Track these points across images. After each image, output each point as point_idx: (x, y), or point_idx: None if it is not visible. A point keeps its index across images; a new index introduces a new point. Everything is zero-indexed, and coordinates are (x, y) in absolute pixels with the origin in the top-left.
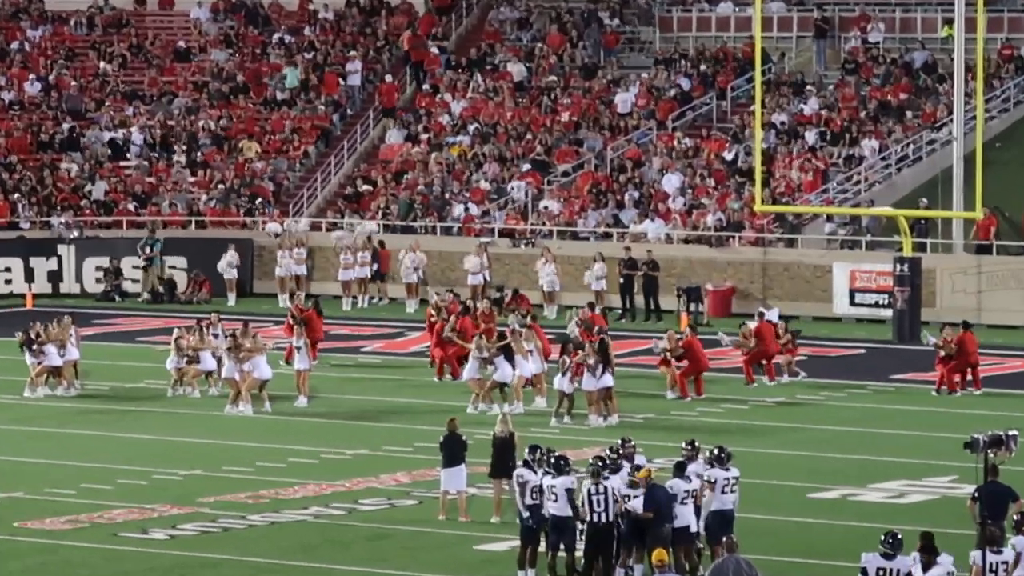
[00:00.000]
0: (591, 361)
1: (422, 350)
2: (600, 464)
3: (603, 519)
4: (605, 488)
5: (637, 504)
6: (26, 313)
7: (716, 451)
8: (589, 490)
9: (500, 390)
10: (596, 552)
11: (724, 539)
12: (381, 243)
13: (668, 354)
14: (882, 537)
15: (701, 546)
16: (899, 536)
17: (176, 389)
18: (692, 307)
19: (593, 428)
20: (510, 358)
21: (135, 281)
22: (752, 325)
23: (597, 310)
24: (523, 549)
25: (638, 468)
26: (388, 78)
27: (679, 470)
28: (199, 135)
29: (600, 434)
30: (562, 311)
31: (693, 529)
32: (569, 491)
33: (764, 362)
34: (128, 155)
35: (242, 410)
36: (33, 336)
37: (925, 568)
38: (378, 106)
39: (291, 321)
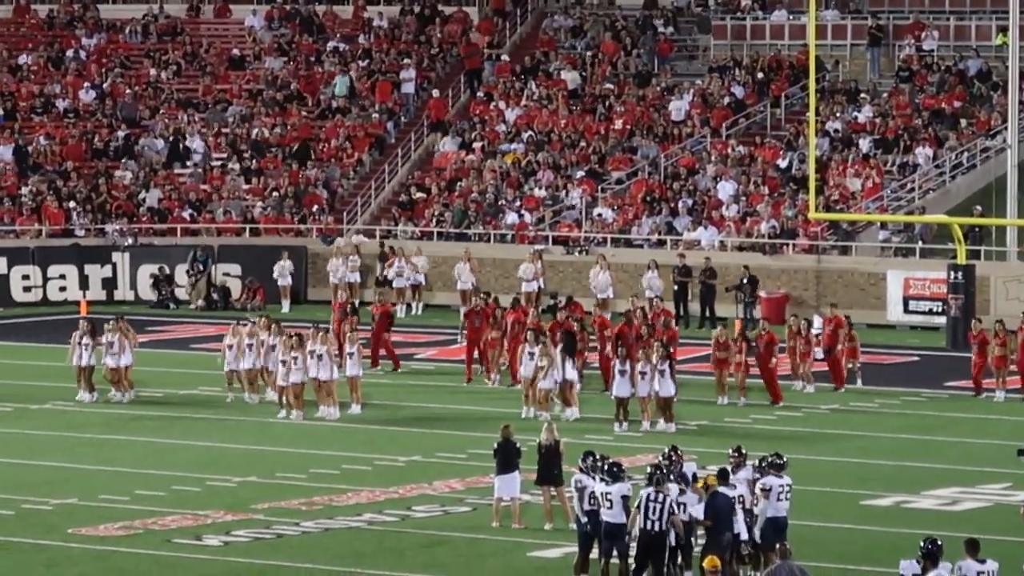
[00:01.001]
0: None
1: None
2: (660, 472)
3: (656, 528)
4: (664, 496)
5: (696, 512)
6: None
7: (772, 458)
8: (648, 496)
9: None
10: (646, 560)
11: (778, 546)
12: (392, 248)
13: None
14: (920, 544)
15: (745, 553)
16: (938, 542)
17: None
18: (747, 299)
19: (649, 434)
20: (571, 357)
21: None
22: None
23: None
24: (581, 555)
25: (683, 476)
26: (436, 93)
27: (723, 478)
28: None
29: (655, 440)
30: (615, 318)
31: (744, 536)
32: (625, 498)
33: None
34: (188, 162)
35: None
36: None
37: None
38: (428, 120)
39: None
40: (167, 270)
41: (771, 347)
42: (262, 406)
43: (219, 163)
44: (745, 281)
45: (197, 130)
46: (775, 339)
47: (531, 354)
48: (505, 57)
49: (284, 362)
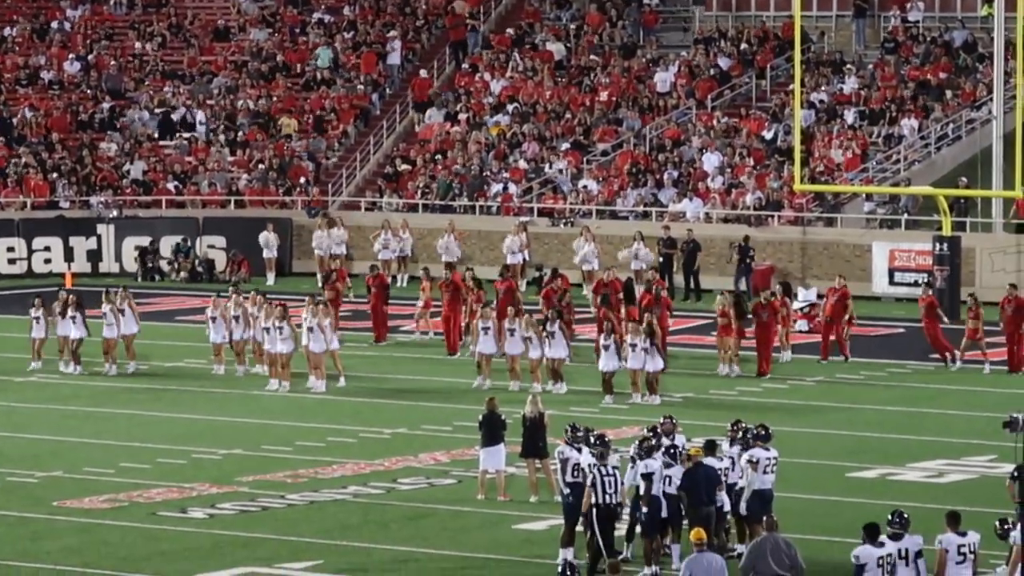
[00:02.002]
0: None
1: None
2: (648, 444)
3: (613, 500)
4: (612, 469)
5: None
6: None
7: (758, 429)
8: (599, 470)
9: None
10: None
11: (764, 518)
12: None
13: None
14: (889, 517)
15: (728, 525)
16: (906, 515)
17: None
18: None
19: (635, 406)
20: (563, 335)
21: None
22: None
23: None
24: (567, 527)
25: (673, 447)
26: (423, 73)
27: (709, 450)
28: (238, 115)
29: (642, 412)
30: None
31: (726, 508)
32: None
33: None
34: (187, 134)
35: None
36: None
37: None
38: (412, 98)
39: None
40: (153, 242)
41: (774, 316)
42: (248, 378)
43: (210, 133)
44: (734, 246)
45: (183, 102)
46: (777, 307)
47: (511, 330)
48: (510, 32)
49: (267, 330)
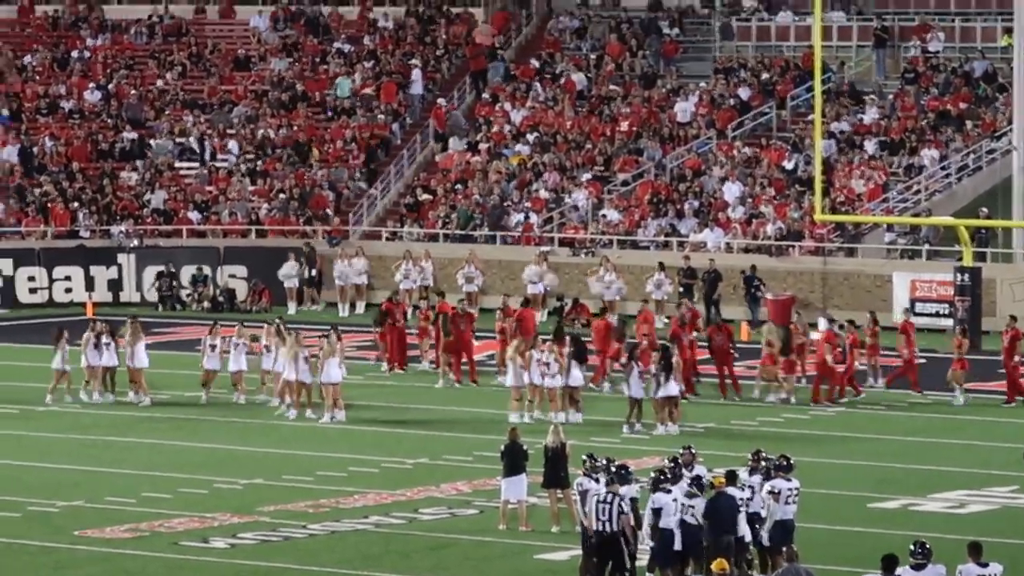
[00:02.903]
0: (654, 370)
1: (482, 359)
2: (664, 476)
3: (608, 528)
4: (613, 496)
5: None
6: (86, 322)
7: (780, 460)
8: (599, 497)
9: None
10: (605, 561)
11: (784, 549)
12: (312, 248)
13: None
14: (911, 547)
15: (751, 556)
16: (928, 546)
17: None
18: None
19: (656, 437)
20: (581, 361)
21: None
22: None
23: (612, 318)
24: (585, 558)
25: (698, 478)
26: (441, 101)
27: (730, 480)
28: (247, 143)
29: (662, 443)
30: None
31: (747, 539)
32: (633, 500)
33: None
34: (195, 162)
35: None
36: (96, 335)
37: None
38: (430, 127)
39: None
40: (174, 269)
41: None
42: (270, 409)
43: (228, 164)
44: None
45: (204, 131)
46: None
47: (538, 361)
48: (534, 63)
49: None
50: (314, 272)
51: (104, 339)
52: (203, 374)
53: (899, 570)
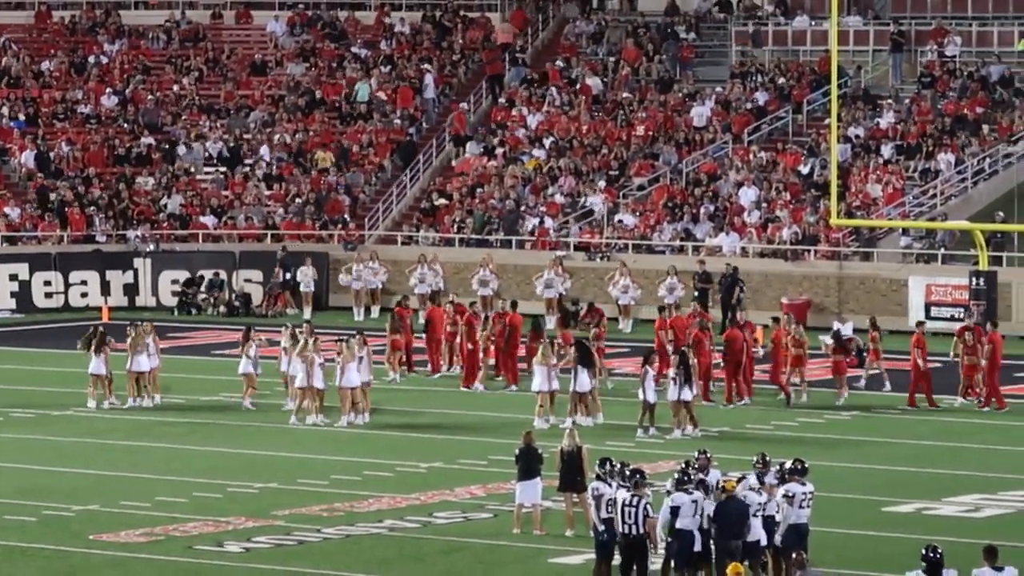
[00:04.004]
0: (672, 374)
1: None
2: (686, 477)
3: (634, 531)
4: (639, 500)
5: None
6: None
7: (795, 464)
8: (625, 500)
9: (579, 401)
10: (631, 564)
11: (794, 555)
12: (283, 248)
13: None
14: (923, 552)
15: (766, 559)
16: (939, 550)
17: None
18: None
19: (670, 441)
20: (588, 366)
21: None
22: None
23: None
24: (599, 563)
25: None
26: (464, 106)
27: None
28: (275, 149)
29: (677, 447)
30: (638, 324)
31: (763, 543)
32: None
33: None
34: (211, 167)
35: (316, 421)
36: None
37: None
38: (449, 131)
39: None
40: (202, 275)
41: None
42: (284, 413)
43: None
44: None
45: (219, 136)
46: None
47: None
48: (559, 65)
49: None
50: (288, 276)
51: (147, 339)
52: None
53: (910, 574)
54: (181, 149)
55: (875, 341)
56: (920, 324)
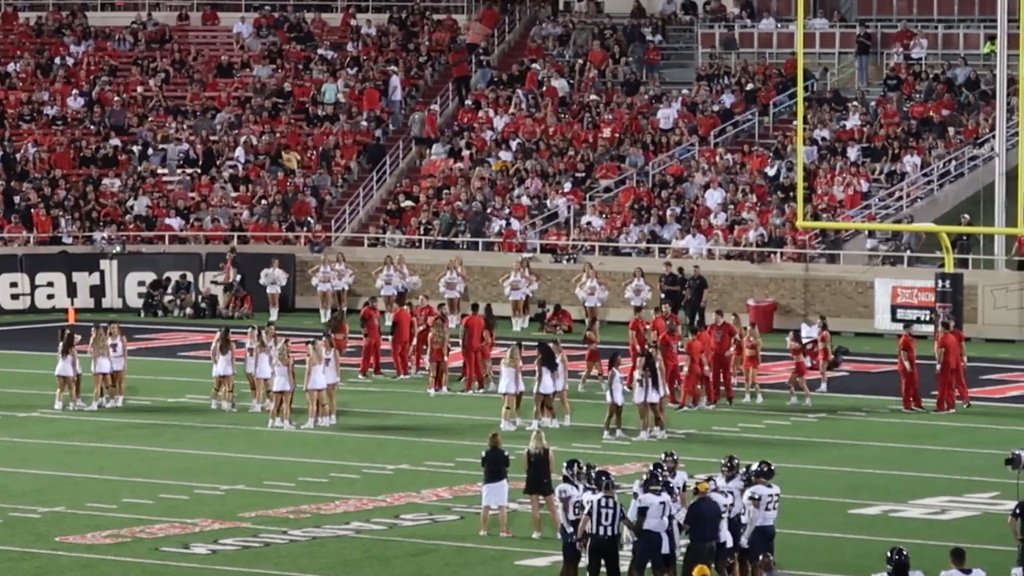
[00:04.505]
0: (638, 376)
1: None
2: (660, 473)
3: (608, 532)
4: (614, 501)
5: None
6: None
7: (761, 466)
8: (600, 501)
9: (541, 404)
10: (599, 564)
11: (761, 557)
12: (232, 249)
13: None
14: (888, 554)
15: (731, 561)
16: (905, 552)
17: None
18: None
19: (637, 443)
20: (551, 368)
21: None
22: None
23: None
24: (566, 565)
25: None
26: (435, 107)
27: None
28: (241, 150)
29: (643, 448)
30: (604, 327)
31: (729, 545)
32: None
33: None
34: (177, 169)
35: (281, 425)
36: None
37: None
38: (422, 133)
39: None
40: (168, 277)
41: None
42: (251, 415)
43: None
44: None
45: (186, 138)
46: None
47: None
48: (537, 67)
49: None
50: (239, 277)
51: (111, 340)
52: (263, 384)
53: None
54: (148, 151)
55: (824, 340)
56: (908, 326)
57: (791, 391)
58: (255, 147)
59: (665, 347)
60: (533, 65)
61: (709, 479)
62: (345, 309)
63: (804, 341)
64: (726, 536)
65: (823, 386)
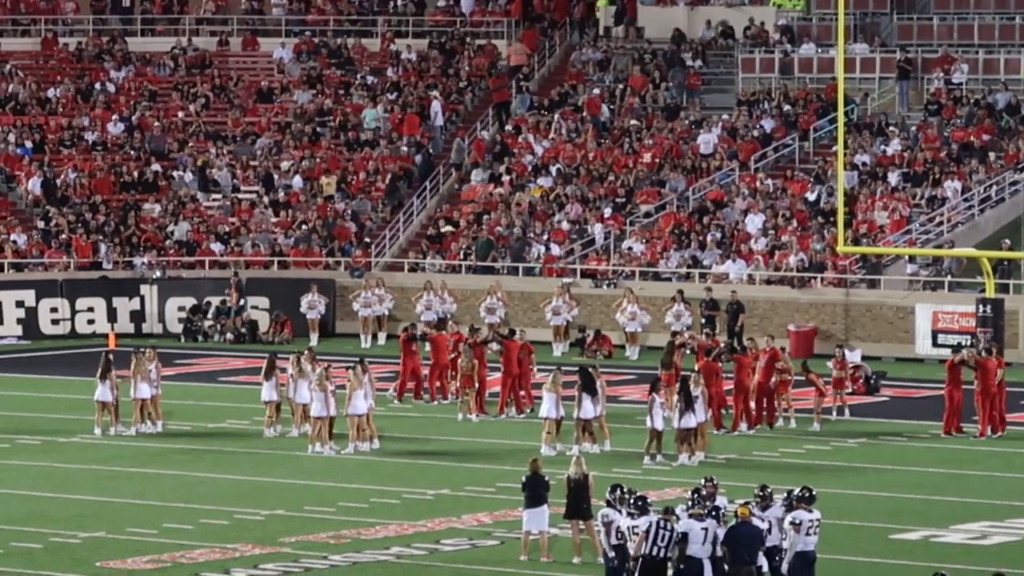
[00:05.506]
0: (675, 402)
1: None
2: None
3: (661, 554)
4: (671, 525)
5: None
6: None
7: (802, 491)
8: (658, 523)
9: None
10: None
11: None
12: (236, 274)
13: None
14: None
15: None
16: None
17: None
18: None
19: (677, 468)
20: (591, 394)
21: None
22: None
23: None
24: None
25: (716, 508)
26: (484, 135)
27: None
28: (281, 176)
29: (683, 474)
30: (644, 352)
31: (765, 570)
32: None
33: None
34: (215, 195)
35: (321, 450)
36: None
37: None
38: (468, 158)
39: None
40: (196, 302)
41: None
42: (290, 439)
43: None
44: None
45: (226, 163)
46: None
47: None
48: (579, 90)
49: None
50: (242, 302)
51: (149, 365)
52: (302, 409)
53: None
54: (188, 176)
55: (842, 368)
56: (956, 350)
57: (816, 417)
58: (296, 172)
59: (708, 373)
60: (593, 92)
61: (746, 503)
62: (385, 335)
63: (849, 366)
64: (761, 560)
65: (846, 412)
